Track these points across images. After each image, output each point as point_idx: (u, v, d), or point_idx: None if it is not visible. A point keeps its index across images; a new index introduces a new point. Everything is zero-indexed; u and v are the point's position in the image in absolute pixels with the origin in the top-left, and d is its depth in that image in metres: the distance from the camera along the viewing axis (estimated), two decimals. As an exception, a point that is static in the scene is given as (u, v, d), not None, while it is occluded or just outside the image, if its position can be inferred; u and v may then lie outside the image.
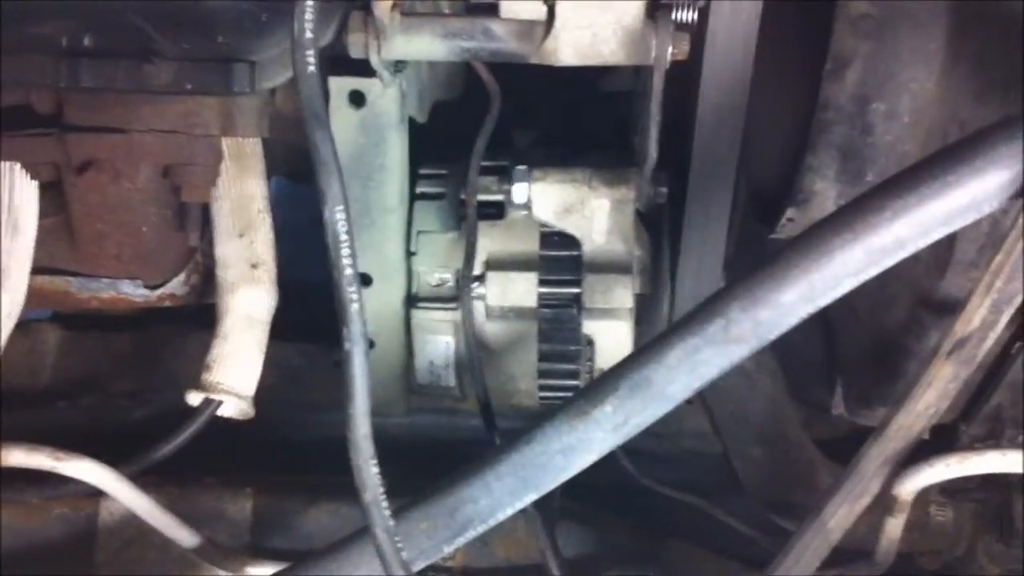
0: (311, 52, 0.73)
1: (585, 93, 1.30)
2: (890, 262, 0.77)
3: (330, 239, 0.71)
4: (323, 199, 0.71)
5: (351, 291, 0.71)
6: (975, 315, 0.77)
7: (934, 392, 0.83)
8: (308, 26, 0.74)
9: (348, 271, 0.71)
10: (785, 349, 1.40)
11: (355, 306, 0.72)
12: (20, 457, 0.96)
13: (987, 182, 0.71)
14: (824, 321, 1.36)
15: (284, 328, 1.16)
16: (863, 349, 1.21)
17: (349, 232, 0.72)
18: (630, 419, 0.84)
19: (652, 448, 1.38)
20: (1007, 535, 1.21)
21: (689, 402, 1.41)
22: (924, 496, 1.30)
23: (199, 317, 1.24)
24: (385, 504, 0.73)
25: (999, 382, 1.13)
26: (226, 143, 1.09)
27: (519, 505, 0.87)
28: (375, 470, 0.72)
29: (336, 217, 0.71)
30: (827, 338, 1.34)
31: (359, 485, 0.72)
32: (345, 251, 0.71)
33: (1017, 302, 0.76)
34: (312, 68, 0.73)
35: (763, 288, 0.78)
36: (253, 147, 1.12)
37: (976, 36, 0.94)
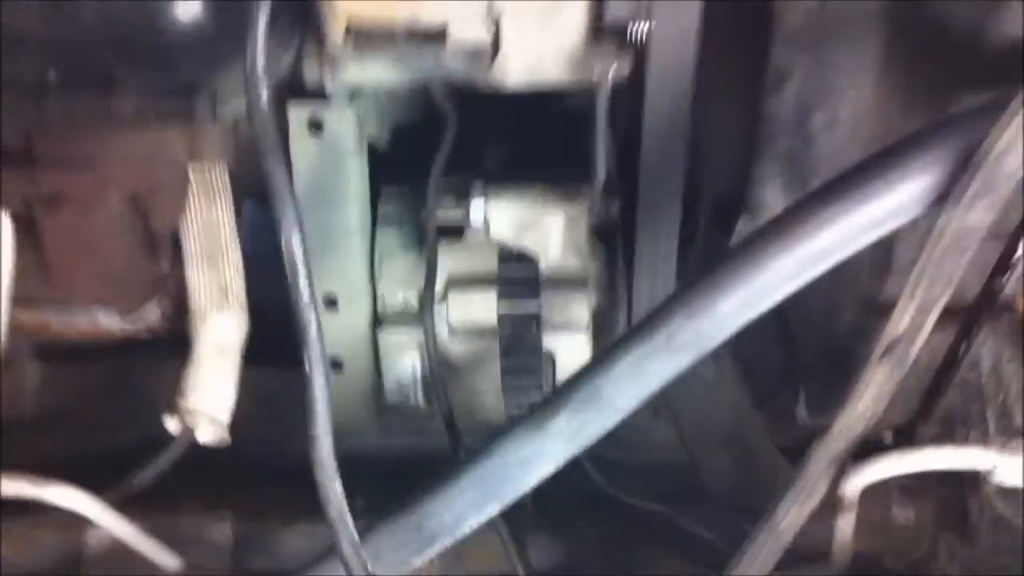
0: (263, 84, 0.77)
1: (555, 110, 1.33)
2: (821, 269, 0.80)
3: (287, 264, 0.74)
4: (279, 225, 0.74)
5: (309, 315, 0.74)
6: (903, 318, 0.80)
7: (871, 394, 0.86)
8: (260, 58, 0.77)
9: (306, 295, 0.74)
10: (749, 359, 1.44)
11: (314, 329, 0.75)
12: (3, 485, 0.98)
13: (909, 189, 0.75)
14: (784, 330, 1.40)
15: (259, 353, 1.19)
16: (819, 355, 1.25)
17: (306, 257, 0.75)
18: (583, 429, 0.87)
19: (623, 460, 1.41)
20: (965, 533, 1.24)
21: (657, 415, 1.45)
22: (886, 497, 1.33)
23: (175, 346, 1.26)
24: (350, 519, 0.76)
25: (949, 382, 1.17)
26: (193, 172, 1.12)
27: (483, 517, 0.90)
28: (339, 487, 0.75)
29: (292, 242, 0.74)
30: (788, 346, 1.37)
31: (323, 501, 0.75)
32: (302, 276, 0.74)
33: (941, 305, 0.79)
34: (264, 100, 0.76)
35: (702, 299, 0.81)
36: (219, 175, 1.14)
37: (908, 47, 0.97)
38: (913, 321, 0.80)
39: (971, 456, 0.90)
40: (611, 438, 1.40)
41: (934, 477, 1.29)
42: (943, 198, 0.73)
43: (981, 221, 0.72)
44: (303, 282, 0.73)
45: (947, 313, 1.09)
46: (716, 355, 1.43)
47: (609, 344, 0.87)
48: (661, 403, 1.44)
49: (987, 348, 1.11)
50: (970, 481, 1.21)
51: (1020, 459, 0.89)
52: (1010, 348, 1.08)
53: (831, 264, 0.79)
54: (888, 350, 0.83)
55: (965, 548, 1.25)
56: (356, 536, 0.77)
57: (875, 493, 1.35)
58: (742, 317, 0.81)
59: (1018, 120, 0.66)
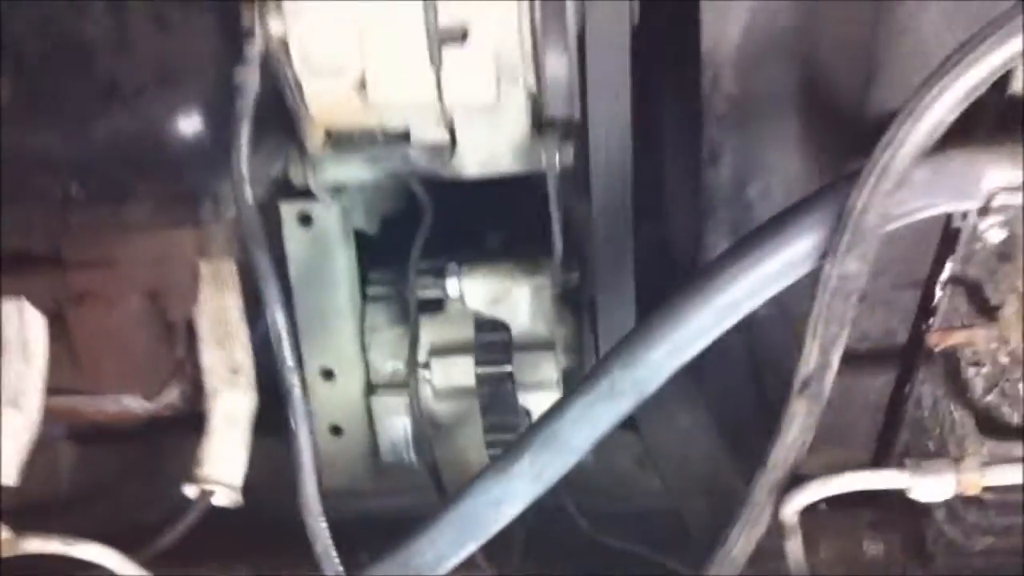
0: (247, 187, 0.91)
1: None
2: (736, 318, 0.91)
3: (273, 337, 0.87)
4: (265, 304, 0.87)
5: (293, 378, 0.87)
6: (810, 357, 0.91)
7: (797, 426, 0.96)
8: (244, 165, 0.91)
9: (289, 362, 0.87)
10: (723, 406, 1.55)
11: (297, 390, 0.87)
12: (36, 544, 1.10)
13: (799, 248, 0.86)
14: (757, 378, 1.51)
15: (272, 426, 1.31)
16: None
17: (289, 329, 0.88)
18: (545, 470, 0.98)
19: (610, 509, 1.51)
20: (924, 560, 1.33)
21: (641, 465, 1.56)
22: (857, 532, 1.43)
23: (197, 423, 1.39)
24: (334, 553, 0.87)
25: (900, 422, 1.27)
26: (203, 265, 1.22)
27: (463, 554, 1.01)
28: (324, 524, 0.87)
29: (277, 318, 0.87)
30: (759, 394, 1.48)
31: (311, 537, 0.87)
32: (286, 345, 0.88)
33: (842, 342, 0.90)
34: (249, 199, 0.90)
35: (636, 350, 0.93)
36: (227, 267, 1.26)
37: (817, 122, 1.10)
38: (819, 358, 0.91)
39: (888, 478, 1.01)
40: (597, 489, 1.52)
41: (899, 511, 1.39)
42: (828, 254, 0.86)
43: (858, 269, 0.84)
44: (287, 350, 0.86)
45: (888, 357, 1.21)
46: (692, 406, 1.56)
47: (564, 394, 0.99)
48: (644, 454, 1.55)
49: (926, 388, 1.21)
50: (924, 512, 1.31)
51: (932, 478, 0.99)
52: (944, 386, 1.18)
53: (743, 313, 0.91)
54: (803, 386, 0.95)
55: (926, 573, 1.34)
56: (340, 568, 0.88)
57: (847, 529, 1.46)
58: (671, 364, 0.93)
59: (872, 180, 0.78)
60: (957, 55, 0.72)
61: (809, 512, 1.19)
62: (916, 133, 0.75)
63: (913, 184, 0.83)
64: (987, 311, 1.02)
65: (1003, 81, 0.88)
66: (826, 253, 0.85)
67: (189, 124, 1.08)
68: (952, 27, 0.82)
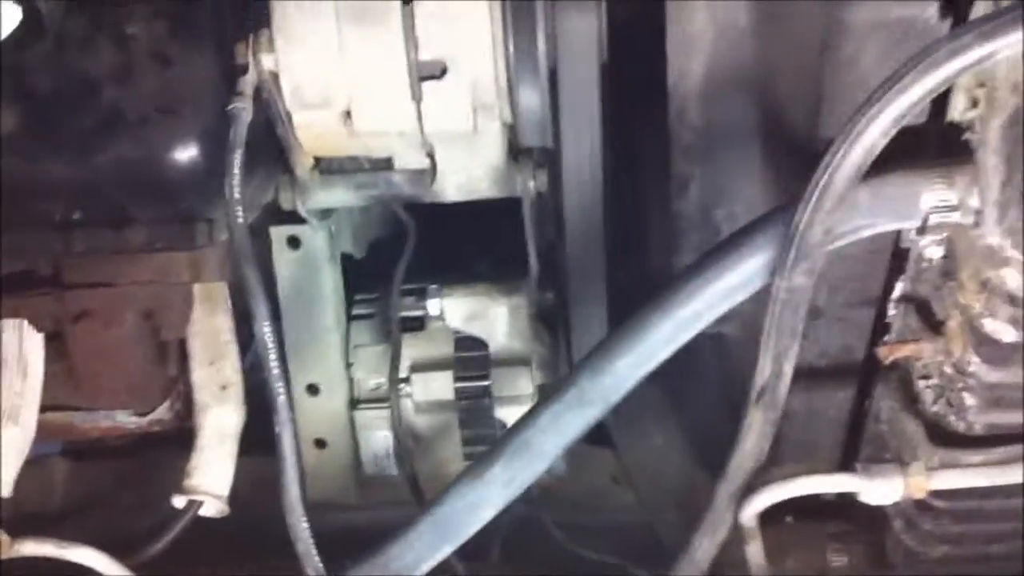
0: (240, 210, 0.97)
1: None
2: (695, 330, 0.98)
3: (260, 348, 0.94)
4: (253, 317, 0.94)
5: (279, 387, 0.93)
6: (764, 368, 0.98)
7: (754, 435, 1.03)
8: (236, 191, 0.97)
9: (275, 372, 0.93)
10: (701, 431, 1.60)
11: (282, 398, 0.93)
12: (30, 547, 1.15)
13: (752, 265, 0.93)
14: (732, 404, 1.57)
15: (259, 444, 1.37)
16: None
17: (276, 342, 0.94)
18: (517, 476, 1.03)
19: (586, 523, 1.57)
20: (886, 569, 1.39)
21: (616, 481, 1.61)
22: (822, 547, 1.48)
23: (187, 439, 1.44)
24: (315, 552, 0.93)
25: (860, 436, 1.33)
26: (196, 287, 1.27)
27: (439, 556, 1.06)
28: (305, 525, 0.92)
29: (264, 331, 0.93)
30: (731, 412, 1.54)
31: (293, 538, 0.93)
32: (272, 357, 0.94)
33: (794, 353, 0.97)
34: (241, 221, 0.97)
35: (603, 359, 0.99)
36: (219, 289, 1.30)
37: (776, 149, 1.17)
38: (773, 368, 0.98)
39: (840, 482, 1.07)
40: (573, 502, 1.57)
41: (861, 523, 1.45)
42: (776, 271, 0.92)
43: (803, 283, 0.90)
44: (273, 362, 0.92)
45: (847, 373, 1.27)
46: (665, 424, 1.62)
47: (535, 403, 1.05)
48: (619, 470, 1.61)
49: (884, 402, 1.27)
50: (884, 523, 1.37)
51: (881, 481, 1.05)
52: (899, 400, 1.24)
53: (701, 326, 0.97)
54: (759, 396, 1.01)
55: (888, 581, 1.39)
56: (321, 567, 0.94)
57: (811, 540, 1.51)
58: (636, 373, 0.99)
59: (813, 200, 0.85)
60: (886, 85, 0.79)
61: (775, 524, 1.25)
62: (852, 155, 0.82)
63: (855, 204, 0.90)
64: (934, 326, 1.08)
65: (942, 109, 0.95)
66: (775, 269, 0.92)
67: (186, 152, 1.14)
68: (890, 61, 0.89)
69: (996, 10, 0.83)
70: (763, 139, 1.17)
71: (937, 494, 1.11)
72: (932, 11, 0.87)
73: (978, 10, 0.87)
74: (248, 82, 1.03)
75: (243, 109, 1.01)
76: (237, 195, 0.97)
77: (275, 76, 1.03)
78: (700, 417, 1.63)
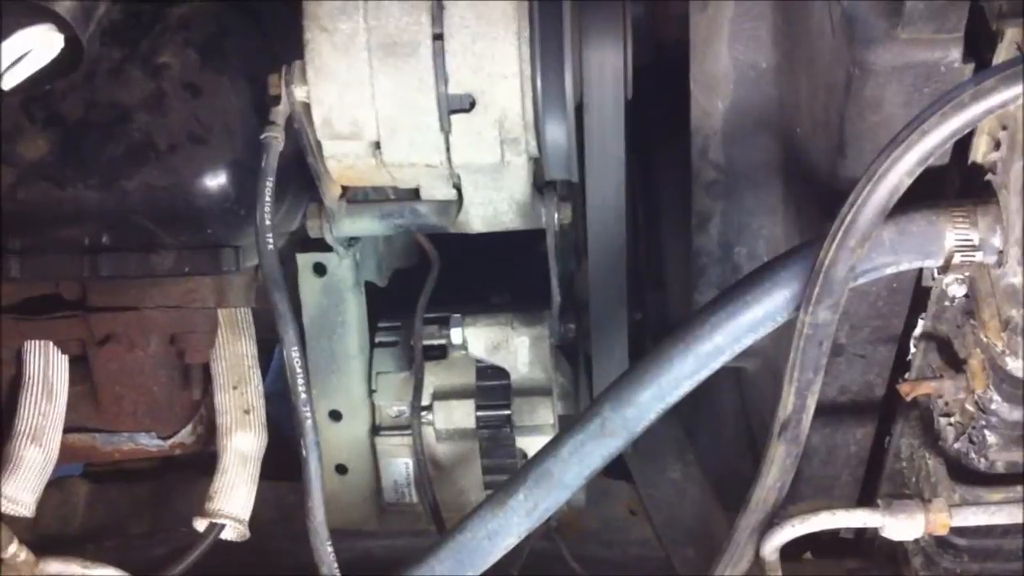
0: (270, 236, 0.98)
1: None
2: (717, 364, 0.98)
3: (288, 373, 0.95)
4: (282, 343, 0.95)
5: (305, 411, 0.94)
6: (788, 402, 0.98)
7: (777, 469, 1.03)
8: (267, 217, 0.99)
9: (303, 396, 0.94)
10: (722, 470, 1.61)
11: (308, 422, 0.94)
12: (55, 567, 1.16)
13: (775, 299, 0.94)
14: (751, 442, 1.58)
15: (281, 470, 1.38)
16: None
17: (303, 367, 0.95)
18: (539, 505, 1.04)
19: (604, 555, 1.57)
20: (907, 607, 1.38)
21: (633, 513, 1.62)
22: (841, 583, 1.48)
23: (207, 465, 1.45)
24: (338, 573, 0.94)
25: (880, 473, 1.33)
26: (221, 313, 1.30)
27: (460, 583, 1.08)
28: (330, 549, 0.93)
29: (292, 355, 0.95)
30: (754, 458, 1.55)
31: (317, 561, 0.93)
32: (300, 382, 0.95)
33: (817, 387, 0.97)
34: (271, 247, 0.98)
35: (626, 391, 1.00)
36: (244, 315, 1.32)
37: (797, 189, 1.18)
38: (796, 402, 0.98)
39: (862, 517, 1.07)
40: (591, 535, 1.57)
41: (881, 560, 1.45)
42: (799, 306, 0.93)
43: (827, 319, 0.91)
44: (301, 387, 0.93)
45: (867, 410, 1.28)
46: (684, 458, 1.62)
47: (558, 432, 1.06)
48: (637, 503, 1.62)
49: (904, 440, 1.28)
50: (904, 559, 1.36)
51: (903, 517, 1.06)
52: (919, 437, 1.24)
53: (724, 360, 0.98)
54: (782, 429, 1.01)
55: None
56: (344, 589, 0.95)
57: (832, 581, 1.50)
58: (658, 406, 0.99)
59: (839, 237, 0.86)
60: (910, 127, 0.80)
61: (795, 561, 1.25)
62: (877, 194, 0.83)
63: (880, 242, 0.91)
64: (956, 364, 1.08)
65: (965, 150, 0.97)
66: (800, 305, 0.93)
67: (215, 180, 1.18)
68: (912, 103, 0.90)
69: (1018, 55, 0.84)
70: (784, 178, 1.19)
71: (958, 531, 1.11)
72: (955, 55, 0.88)
73: (1000, 55, 0.88)
74: (280, 112, 1.04)
75: (275, 138, 1.03)
76: (268, 222, 0.98)
77: (306, 107, 1.05)
78: (718, 451, 1.64)
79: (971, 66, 0.89)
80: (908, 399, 1.13)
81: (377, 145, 1.07)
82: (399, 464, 1.33)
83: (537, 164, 1.13)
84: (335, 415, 1.32)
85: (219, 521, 1.27)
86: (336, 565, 0.93)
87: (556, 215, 1.15)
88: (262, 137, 1.02)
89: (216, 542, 1.28)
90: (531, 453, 1.30)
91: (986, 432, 1.05)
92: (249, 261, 1.25)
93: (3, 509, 1.23)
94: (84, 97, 1.19)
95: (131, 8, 1.18)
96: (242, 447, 1.31)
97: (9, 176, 1.17)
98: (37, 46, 0.89)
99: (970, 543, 1.18)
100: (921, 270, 1.04)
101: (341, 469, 1.34)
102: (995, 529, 1.11)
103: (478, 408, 1.29)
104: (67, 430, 1.33)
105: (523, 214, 1.15)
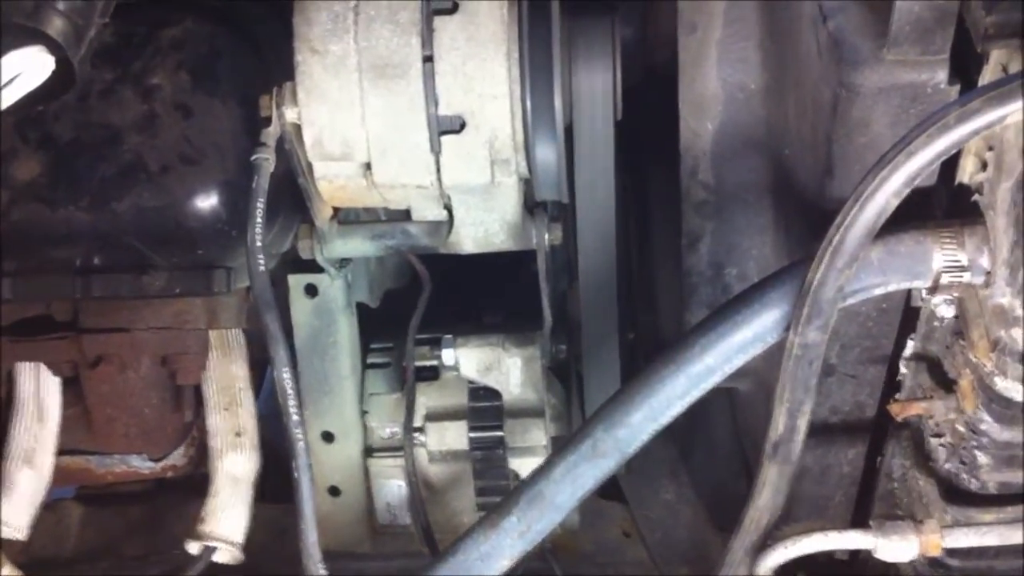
0: (261, 257, 0.99)
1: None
2: (708, 385, 0.98)
3: (280, 394, 0.95)
4: (273, 363, 0.95)
5: (297, 432, 0.94)
6: (779, 422, 0.98)
7: (769, 489, 1.03)
8: (258, 238, 0.99)
9: (295, 417, 0.94)
10: (715, 490, 1.61)
11: (300, 444, 0.94)
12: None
13: (765, 320, 0.94)
14: (744, 463, 1.57)
15: (272, 489, 1.38)
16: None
17: (295, 388, 0.95)
18: (532, 527, 1.04)
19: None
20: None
21: (627, 535, 1.62)
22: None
23: (199, 487, 1.45)
24: (330, 599, 0.94)
25: (872, 493, 1.33)
26: (212, 334, 1.30)
27: (453, 606, 1.07)
28: (323, 571, 0.93)
29: (283, 376, 0.95)
30: (748, 478, 1.54)
31: (308, 584, 0.93)
32: (292, 403, 0.95)
33: (808, 408, 0.98)
34: (262, 268, 0.98)
35: (617, 412, 1.00)
36: (235, 336, 1.32)
37: (786, 211, 1.19)
38: (787, 423, 0.98)
39: (855, 538, 1.07)
40: (585, 557, 1.57)
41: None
42: (789, 327, 0.93)
43: (817, 339, 0.91)
44: (292, 408, 0.93)
45: (859, 430, 1.28)
46: (677, 480, 1.62)
47: (550, 454, 1.06)
48: (631, 525, 1.61)
49: (896, 460, 1.28)
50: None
51: (896, 539, 1.06)
52: (911, 457, 1.24)
53: (715, 381, 0.98)
54: (774, 450, 1.01)
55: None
56: (337, 611, 0.95)
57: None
58: (650, 427, 0.99)
59: (827, 258, 0.87)
60: (897, 147, 0.81)
61: (791, 584, 1.25)
62: (864, 215, 0.83)
63: (868, 263, 0.91)
64: (946, 384, 1.08)
65: (953, 171, 0.97)
66: (789, 325, 0.93)
67: (207, 201, 1.18)
68: (899, 124, 0.91)
69: (1004, 76, 0.85)
70: (773, 199, 1.20)
71: (950, 552, 1.11)
72: (941, 76, 0.89)
73: (986, 76, 0.88)
74: (271, 134, 1.05)
75: (266, 159, 1.04)
76: (258, 243, 0.98)
77: (297, 128, 1.06)
78: (713, 473, 1.63)
79: (957, 87, 0.89)
80: (899, 419, 1.13)
81: (368, 166, 1.08)
82: (392, 486, 1.33)
83: (528, 185, 1.14)
84: (327, 436, 1.32)
85: (212, 544, 1.27)
86: (328, 587, 0.93)
87: (547, 236, 1.15)
88: (253, 158, 1.03)
89: (211, 565, 1.27)
90: (524, 474, 1.30)
91: (977, 452, 1.05)
92: (241, 282, 1.25)
93: (-3, 533, 1.22)
94: (76, 118, 1.19)
95: (123, 30, 1.18)
96: (234, 469, 1.31)
97: (2, 197, 1.17)
98: (28, 68, 0.89)
99: (963, 564, 1.18)
100: (910, 291, 1.04)
101: (334, 491, 1.34)
102: (988, 550, 1.11)
103: (471, 429, 1.29)
104: (60, 452, 1.33)
105: (514, 235, 1.15)
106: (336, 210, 1.19)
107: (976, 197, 0.93)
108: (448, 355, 1.30)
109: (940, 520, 1.12)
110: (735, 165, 1.17)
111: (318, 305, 1.26)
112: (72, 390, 1.33)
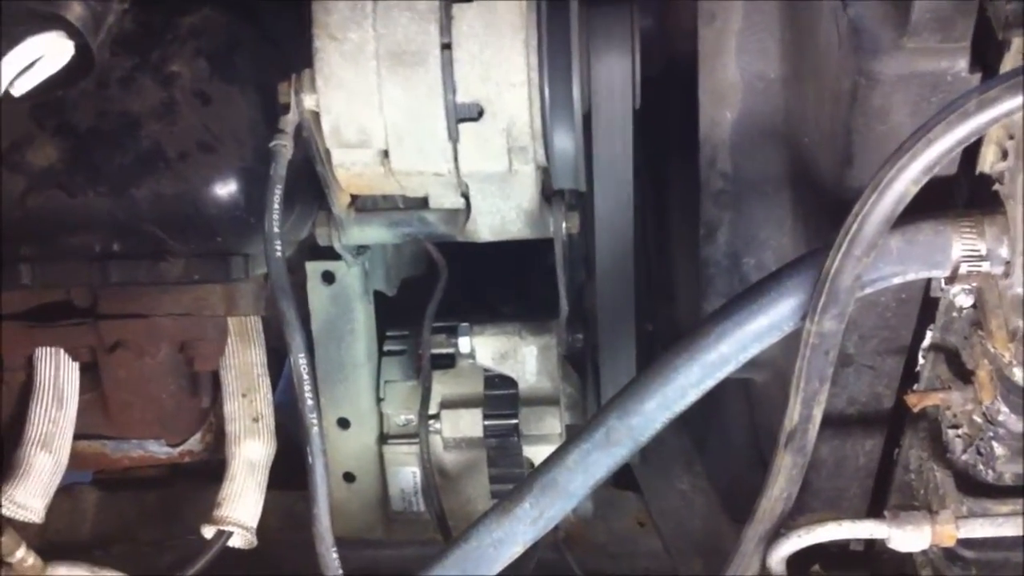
0: (278, 244, 0.99)
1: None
2: (723, 374, 0.98)
3: (295, 379, 0.95)
4: (289, 349, 0.95)
5: (312, 417, 0.95)
6: (794, 412, 0.98)
7: (783, 479, 1.03)
8: (275, 225, 1.00)
9: (309, 402, 0.95)
10: (730, 482, 1.61)
11: (315, 429, 0.95)
12: (63, 571, 1.17)
13: (781, 309, 0.93)
14: (759, 455, 1.57)
15: (289, 478, 1.38)
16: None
17: (310, 373, 0.96)
18: (544, 513, 1.04)
19: (611, 567, 1.57)
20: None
21: (642, 525, 1.62)
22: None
23: (216, 472, 1.46)
24: (344, 582, 0.94)
25: (889, 485, 1.33)
26: (230, 321, 1.30)
27: (466, 593, 1.07)
28: (335, 555, 0.94)
29: (299, 362, 0.95)
30: (762, 470, 1.54)
31: (322, 567, 0.93)
32: (307, 388, 0.95)
33: (823, 397, 0.97)
34: (279, 255, 0.99)
35: (631, 400, 1.00)
36: (253, 323, 1.32)
37: (805, 200, 1.18)
38: (802, 412, 0.98)
39: (868, 528, 1.06)
40: (598, 546, 1.57)
41: (891, 573, 1.44)
42: (807, 315, 0.93)
43: (833, 328, 0.91)
44: (308, 394, 0.94)
45: (876, 422, 1.28)
46: (692, 470, 1.62)
47: (563, 442, 1.06)
48: (645, 515, 1.61)
49: (913, 451, 1.27)
50: (912, 570, 1.35)
51: (910, 529, 1.05)
52: (928, 449, 1.24)
53: (729, 370, 0.97)
54: (788, 440, 1.01)
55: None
56: (347, 594, 0.95)
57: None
58: (663, 415, 0.99)
59: (844, 246, 0.86)
60: (916, 135, 0.80)
61: (802, 572, 1.24)
62: (883, 203, 0.83)
63: (886, 252, 0.91)
64: (964, 375, 1.08)
65: (973, 160, 0.96)
66: (805, 314, 0.93)
67: (225, 188, 1.18)
68: (919, 112, 0.90)
69: (1025, 64, 0.84)
70: (792, 188, 1.19)
71: (966, 543, 1.11)
72: (962, 64, 0.88)
73: (1007, 64, 0.88)
74: (289, 121, 1.05)
75: (284, 146, 1.04)
76: (276, 229, 0.99)
77: (315, 115, 1.06)
78: (728, 463, 1.63)
79: (978, 75, 0.88)
80: (916, 410, 1.12)
81: (385, 153, 1.08)
82: (406, 473, 1.33)
83: (545, 173, 1.13)
84: (343, 423, 1.32)
85: (227, 528, 1.27)
86: (342, 573, 0.93)
87: (564, 224, 1.15)
88: (271, 145, 1.03)
89: (224, 549, 1.28)
90: (538, 462, 1.30)
91: (994, 444, 1.04)
92: (259, 269, 1.26)
93: (13, 515, 1.23)
94: (94, 105, 1.19)
95: (142, 18, 1.18)
96: (251, 455, 1.31)
97: (19, 184, 1.18)
98: (47, 53, 0.90)
99: (978, 555, 1.17)
100: (929, 281, 1.03)
101: (349, 477, 1.34)
102: (1003, 541, 1.11)
103: (485, 417, 1.30)
104: (77, 437, 1.33)
105: (531, 223, 1.15)
106: (354, 197, 1.19)
107: (996, 186, 0.92)
108: (464, 343, 1.30)
109: (955, 511, 1.11)
110: (754, 154, 1.16)
111: (335, 292, 1.27)
112: (90, 375, 1.33)
